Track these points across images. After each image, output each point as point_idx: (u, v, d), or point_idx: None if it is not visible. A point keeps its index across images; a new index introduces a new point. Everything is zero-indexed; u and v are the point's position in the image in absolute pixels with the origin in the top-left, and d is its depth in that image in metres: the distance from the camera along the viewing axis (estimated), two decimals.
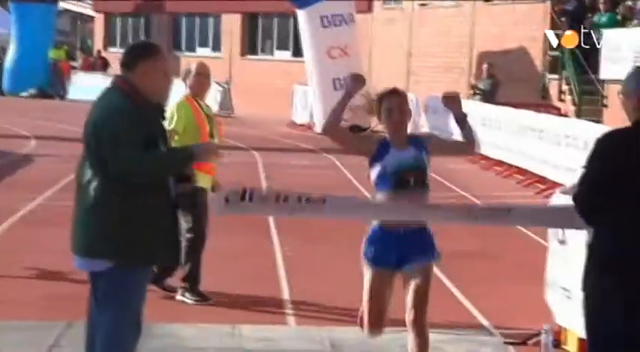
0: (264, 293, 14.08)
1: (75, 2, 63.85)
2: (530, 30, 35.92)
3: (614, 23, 30.17)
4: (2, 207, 19.72)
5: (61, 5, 61.01)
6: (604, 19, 30.58)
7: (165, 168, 8.87)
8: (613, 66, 27.82)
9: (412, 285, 9.68)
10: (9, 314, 12.10)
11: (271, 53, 51.81)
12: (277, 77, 48.95)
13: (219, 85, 49.64)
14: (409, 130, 10.98)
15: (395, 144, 10.14)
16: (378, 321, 9.98)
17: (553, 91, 34.69)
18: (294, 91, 44.81)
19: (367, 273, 9.82)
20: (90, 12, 63.29)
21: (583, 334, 9.20)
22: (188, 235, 13.36)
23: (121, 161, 8.32)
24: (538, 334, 10.87)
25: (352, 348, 11.59)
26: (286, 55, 49.97)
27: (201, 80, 14.12)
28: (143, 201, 8.53)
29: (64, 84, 56.02)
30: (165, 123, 8.68)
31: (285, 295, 14.19)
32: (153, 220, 8.56)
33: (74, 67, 58.66)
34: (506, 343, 11.64)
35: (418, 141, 10.52)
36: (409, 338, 9.80)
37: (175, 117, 13.52)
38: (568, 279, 9.82)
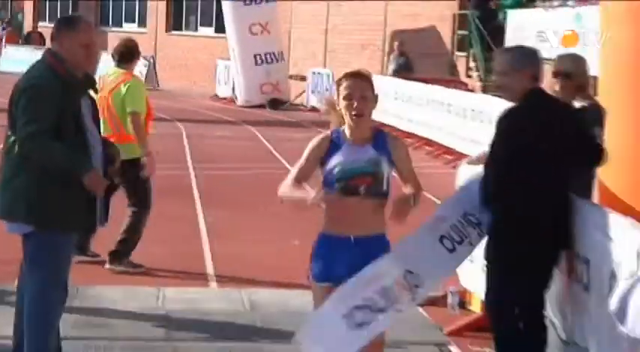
0: (187, 257, 14.13)
1: None
2: (440, 10, 36.12)
3: (518, 4, 30.41)
4: None
5: None
6: (509, 0, 30.86)
7: (56, 164, 8.46)
8: None
9: None
10: None
11: (195, 29, 51.64)
12: (200, 52, 48.66)
13: (145, 58, 49.60)
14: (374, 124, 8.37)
15: (350, 139, 7.75)
16: None
17: (461, 68, 35.06)
18: (217, 66, 44.28)
19: (313, 292, 7.89)
20: None
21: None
22: (132, 209, 13.08)
23: (25, 137, 8.24)
24: (445, 296, 11.08)
25: (270, 308, 11.57)
26: (209, 31, 49.62)
27: None
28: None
29: None
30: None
31: (208, 260, 14.23)
32: (69, 185, 8.40)
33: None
34: (417, 305, 11.32)
35: (383, 141, 7.96)
36: None
37: (138, 98, 13.22)
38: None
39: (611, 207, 8.11)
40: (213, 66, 45.28)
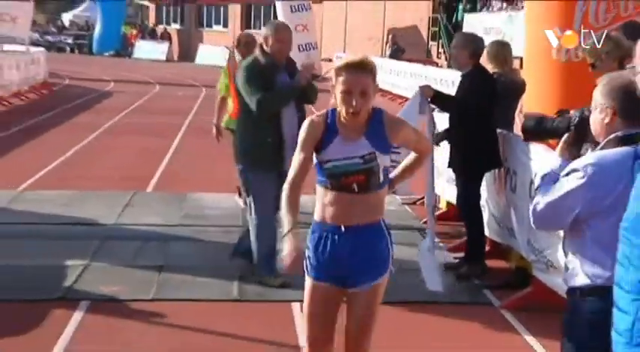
0: None
1: None
2: (420, 14, 36.37)
3: (471, 10, 30.27)
4: (92, 124, 19.72)
5: None
6: (468, 6, 30.80)
7: (283, 98, 7.68)
8: None
9: (352, 316, 4.96)
10: (98, 187, 12.20)
11: (259, 28, 51.16)
12: None
13: (227, 48, 49.42)
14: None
15: (343, 132, 4.97)
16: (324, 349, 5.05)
17: (433, 52, 35.24)
18: None
19: (307, 286, 4.95)
20: (146, 2, 62.74)
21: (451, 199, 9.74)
22: None
23: (251, 101, 7.58)
24: (422, 198, 10.43)
25: None
26: None
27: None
28: (255, 130, 7.74)
29: (131, 48, 55.67)
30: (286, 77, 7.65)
31: None
32: (263, 140, 7.67)
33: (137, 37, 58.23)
34: (403, 204, 11.22)
35: (379, 124, 5.01)
36: None
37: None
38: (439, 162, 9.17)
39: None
40: None
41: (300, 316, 6.64)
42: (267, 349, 6.46)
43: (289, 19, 35.17)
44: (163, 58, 52.27)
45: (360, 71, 4.65)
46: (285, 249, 4.55)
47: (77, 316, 7.00)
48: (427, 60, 32.66)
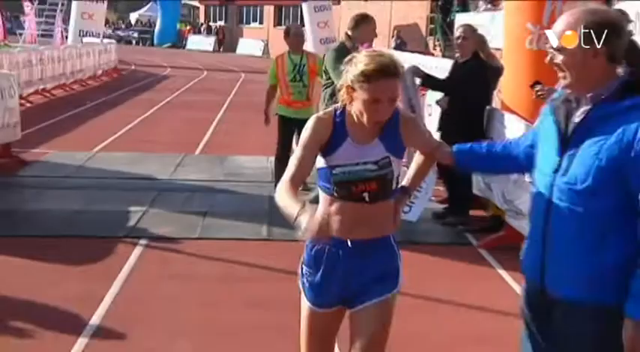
0: None
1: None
2: (420, 14, 35.96)
3: (462, 11, 30.01)
4: (152, 100, 19.76)
5: (183, 1, 60.55)
6: (459, 7, 30.57)
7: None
8: None
9: (361, 332, 3.52)
10: (156, 150, 12.24)
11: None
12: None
13: (263, 41, 49.38)
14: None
15: (354, 135, 3.50)
16: None
17: (430, 45, 34.74)
18: None
19: (304, 308, 3.72)
20: (197, 4, 62.58)
21: None
22: None
23: (336, 76, 6.81)
24: None
25: None
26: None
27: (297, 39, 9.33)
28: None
29: (185, 41, 55.65)
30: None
31: None
32: None
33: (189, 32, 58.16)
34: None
35: (394, 127, 3.53)
36: None
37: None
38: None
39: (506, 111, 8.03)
40: None
41: None
42: (291, 278, 6.49)
43: (313, 17, 35.15)
44: (210, 49, 52.26)
45: (390, 76, 3.22)
46: (303, 222, 3.00)
47: (137, 250, 7.06)
48: (425, 51, 32.44)
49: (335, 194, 3.35)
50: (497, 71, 8.44)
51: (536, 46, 7.87)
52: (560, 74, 2.97)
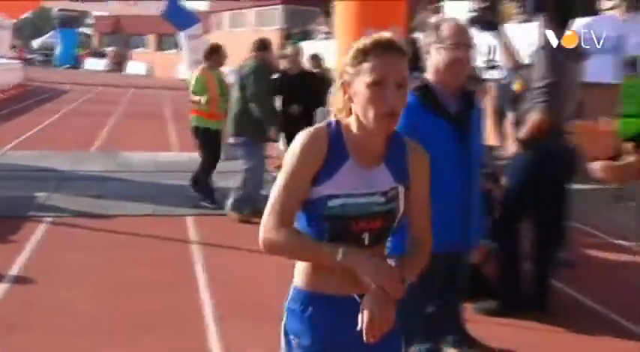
0: None
1: (87, 28, 60.77)
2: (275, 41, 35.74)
3: (306, 39, 30.27)
4: (55, 109, 18.98)
5: (80, 30, 58.23)
6: (301, 36, 30.76)
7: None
8: None
9: None
10: (58, 148, 11.75)
11: (169, 50, 50.27)
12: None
13: (147, 63, 47.97)
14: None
15: (357, 155, 1.85)
16: None
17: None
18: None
19: None
20: (91, 32, 60.32)
21: None
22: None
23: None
24: None
25: None
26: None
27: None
28: None
29: (82, 63, 53.59)
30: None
31: None
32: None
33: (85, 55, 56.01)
34: None
35: (401, 149, 1.92)
36: None
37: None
38: None
39: None
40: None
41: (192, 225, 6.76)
42: (172, 243, 6.51)
43: (188, 44, 34.63)
44: (103, 69, 50.70)
45: (394, 51, 1.86)
46: (369, 265, 1.80)
47: (43, 226, 6.87)
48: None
49: (325, 234, 1.89)
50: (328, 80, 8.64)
51: None
52: None
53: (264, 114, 7.02)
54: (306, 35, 30.89)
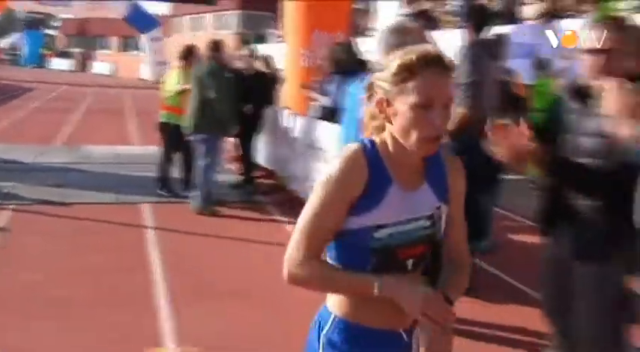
0: None
1: (52, 30, 59.21)
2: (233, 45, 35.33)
3: (262, 42, 30.14)
4: (22, 106, 18.45)
5: (46, 31, 56.82)
6: (257, 40, 30.68)
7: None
8: None
9: None
10: (25, 142, 11.48)
11: (133, 51, 49.34)
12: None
13: (111, 63, 47.05)
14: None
15: (399, 177, 1.53)
16: None
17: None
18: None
19: None
20: (58, 34, 58.86)
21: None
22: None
23: None
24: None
25: None
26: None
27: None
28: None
29: (47, 62, 52.31)
30: None
31: None
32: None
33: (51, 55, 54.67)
34: None
35: (439, 165, 1.62)
36: None
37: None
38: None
39: (287, 108, 8.17)
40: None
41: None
42: (131, 229, 6.44)
43: (150, 45, 34.09)
44: (68, 68, 49.61)
45: (443, 69, 1.51)
46: (412, 304, 1.49)
47: (6, 214, 6.72)
48: None
49: (368, 266, 1.56)
50: (278, 80, 8.64)
51: (306, 63, 8.20)
52: None
53: (225, 112, 6.98)
54: (261, 39, 30.71)
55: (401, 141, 1.54)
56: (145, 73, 40.02)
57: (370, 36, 10.07)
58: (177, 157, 7.72)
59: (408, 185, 1.57)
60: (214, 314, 4.33)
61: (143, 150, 10.67)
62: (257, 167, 8.45)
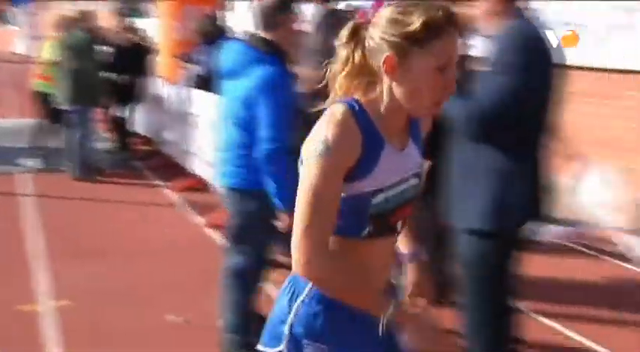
0: None
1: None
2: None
3: (139, 16, 28.87)
4: None
5: None
6: (136, 14, 29.35)
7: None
8: None
9: None
10: None
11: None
12: None
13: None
14: None
15: (390, 138, 1.31)
16: None
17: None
18: None
19: None
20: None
21: None
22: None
23: None
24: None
25: None
26: None
27: None
28: None
29: None
30: None
31: None
32: None
33: None
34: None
35: (417, 120, 1.41)
36: None
37: None
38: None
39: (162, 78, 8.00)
40: None
41: None
42: (9, 198, 6.09)
43: (24, 20, 31.55)
44: None
45: (457, 30, 1.29)
46: (422, 341, 1.29)
47: None
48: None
49: (365, 232, 1.38)
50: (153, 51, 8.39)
51: (178, 36, 8.06)
52: None
53: (95, 83, 6.72)
54: (139, 13, 29.42)
55: (403, 102, 1.31)
56: (20, 47, 37.14)
57: (231, 10, 9.99)
58: (53, 127, 7.36)
59: (397, 144, 1.38)
60: (90, 273, 4.26)
61: (19, 123, 10.01)
62: (134, 134, 8.23)
